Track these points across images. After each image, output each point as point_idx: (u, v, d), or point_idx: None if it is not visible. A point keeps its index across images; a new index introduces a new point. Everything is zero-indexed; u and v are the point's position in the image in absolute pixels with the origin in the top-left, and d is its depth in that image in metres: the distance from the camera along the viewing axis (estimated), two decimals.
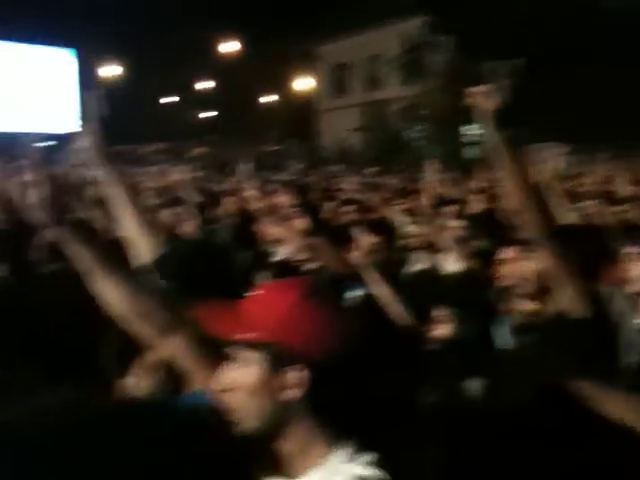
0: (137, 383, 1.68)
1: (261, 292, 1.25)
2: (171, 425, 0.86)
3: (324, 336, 1.18)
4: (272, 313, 1.19)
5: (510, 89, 1.95)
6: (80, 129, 1.81)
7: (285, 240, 3.94)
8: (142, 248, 2.00)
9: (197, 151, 28.45)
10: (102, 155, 1.86)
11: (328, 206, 5.94)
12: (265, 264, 3.85)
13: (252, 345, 1.18)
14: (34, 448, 0.62)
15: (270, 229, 4.26)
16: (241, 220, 5.44)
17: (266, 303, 1.21)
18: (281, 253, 3.97)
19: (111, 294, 1.53)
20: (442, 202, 5.25)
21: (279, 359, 1.17)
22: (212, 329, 1.22)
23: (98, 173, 1.87)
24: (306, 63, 37.32)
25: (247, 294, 1.25)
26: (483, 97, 1.97)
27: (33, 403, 0.69)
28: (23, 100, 30.81)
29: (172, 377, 1.61)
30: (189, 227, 4.54)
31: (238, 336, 1.19)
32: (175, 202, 5.39)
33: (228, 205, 6.15)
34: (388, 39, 28.53)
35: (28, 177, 1.51)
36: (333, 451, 1.17)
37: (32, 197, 1.50)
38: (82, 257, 1.53)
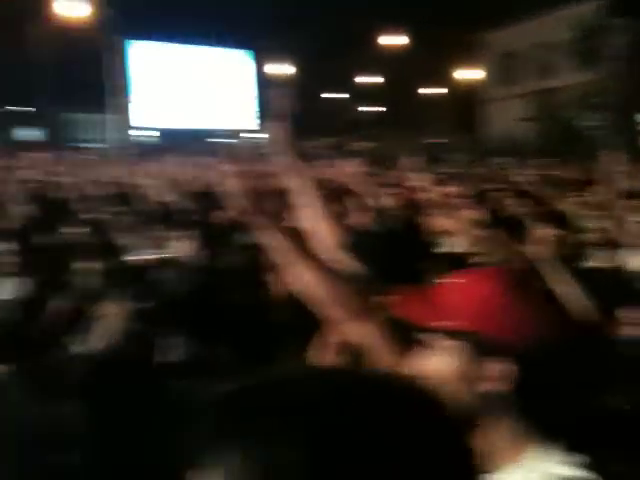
0: (318, 360, 1.73)
1: (458, 280, 1.23)
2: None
3: (526, 328, 1.13)
4: (471, 302, 1.16)
5: None
6: (271, 123, 1.90)
7: (455, 232, 3.88)
8: (323, 238, 2.04)
9: (361, 145, 28.78)
10: (290, 148, 1.92)
11: (498, 198, 5.77)
12: (434, 256, 3.81)
13: (451, 333, 1.16)
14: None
15: (439, 221, 4.21)
16: (409, 212, 5.43)
17: (464, 291, 1.18)
18: (450, 245, 3.91)
19: (306, 280, 1.57)
20: (624, 195, 4.92)
21: (480, 349, 1.13)
22: (406, 315, 1.22)
23: (284, 165, 1.94)
24: (472, 52, 36.44)
25: (439, 282, 1.24)
26: None
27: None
28: (210, 99, 33.00)
29: (354, 359, 1.63)
30: (364, 218, 4.60)
31: (434, 323, 1.18)
32: (346, 194, 5.50)
33: (395, 198, 6.17)
34: (558, 25, 27.22)
35: (229, 168, 1.61)
36: (536, 449, 1.12)
37: (232, 187, 1.60)
38: (278, 244, 1.59)
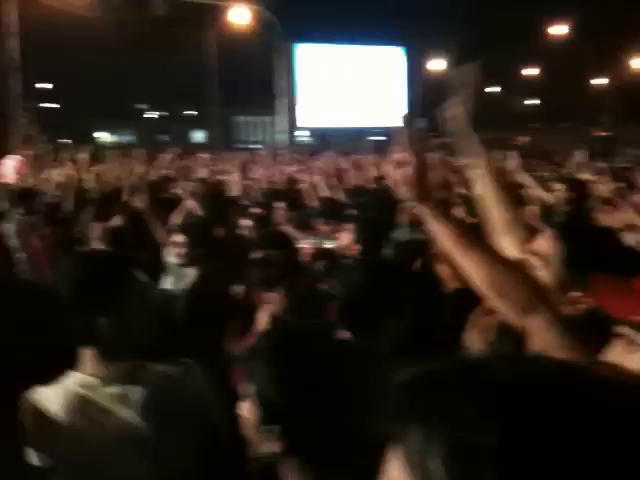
0: (473, 342, 1.71)
1: None
2: None
3: None
4: None
5: None
6: (452, 99, 1.84)
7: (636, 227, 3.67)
8: (501, 224, 1.95)
9: (523, 139, 27.72)
10: (470, 125, 1.84)
11: None
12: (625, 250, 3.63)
13: None
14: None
15: (615, 216, 4.00)
16: (579, 207, 5.21)
17: None
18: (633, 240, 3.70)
19: (472, 270, 1.53)
20: None
21: None
22: (605, 307, 1.16)
23: (464, 144, 1.88)
24: None
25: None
26: None
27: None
28: (367, 98, 33.37)
29: (511, 343, 1.59)
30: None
31: (635, 317, 1.12)
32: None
33: (563, 192, 5.93)
34: None
35: (397, 156, 1.62)
36: None
37: (399, 175, 1.61)
38: (444, 233, 1.56)
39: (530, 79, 41.76)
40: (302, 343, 1.46)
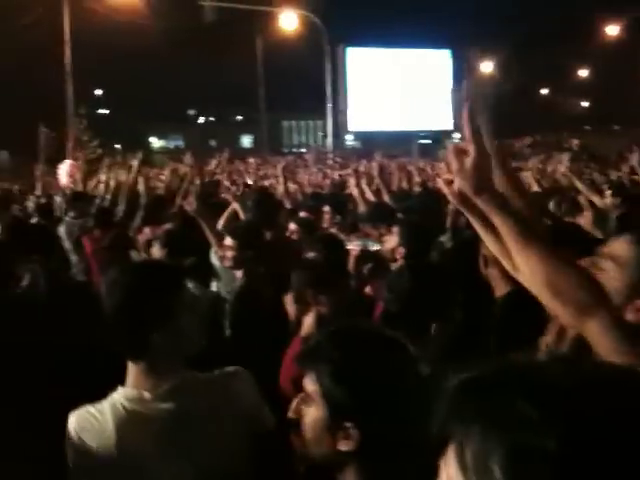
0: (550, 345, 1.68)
1: None
2: None
3: None
4: None
5: None
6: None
7: None
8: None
9: (575, 142, 27.18)
10: (490, 144, 1.78)
11: None
12: None
13: None
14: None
15: None
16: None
17: None
18: None
19: (529, 266, 1.48)
20: None
21: None
22: None
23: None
24: None
25: None
26: None
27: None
28: (412, 101, 33.27)
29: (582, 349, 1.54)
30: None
31: None
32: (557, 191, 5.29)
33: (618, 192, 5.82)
34: None
35: (457, 146, 1.55)
36: None
37: (458, 166, 1.52)
38: (505, 227, 1.51)
39: (582, 80, 40.94)
40: (368, 344, 1.47)
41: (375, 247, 4.22)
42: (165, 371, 1.77)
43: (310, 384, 1.44)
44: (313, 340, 1.53)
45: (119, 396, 1.76)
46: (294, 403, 1.48)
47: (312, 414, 1.44)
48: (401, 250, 3.52)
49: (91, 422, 1.72)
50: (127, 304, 1.74)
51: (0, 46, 22.45)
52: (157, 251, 3.95)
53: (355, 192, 5.20)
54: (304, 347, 1.55)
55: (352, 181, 5.53)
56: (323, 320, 2.45)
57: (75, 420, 1.73)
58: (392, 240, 3.66)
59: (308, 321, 2.48)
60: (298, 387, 1.51)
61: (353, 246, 4.22)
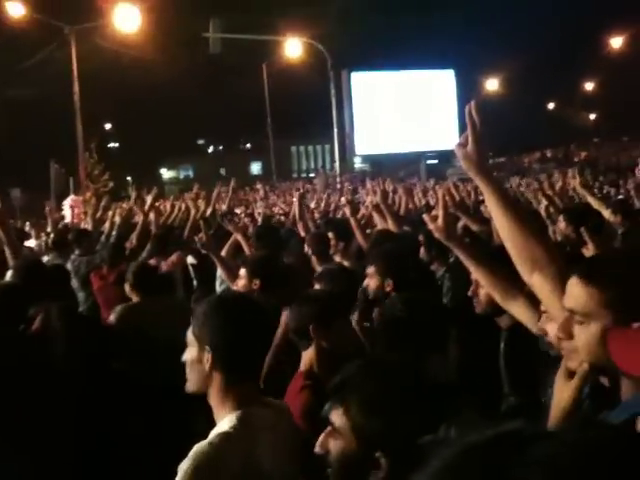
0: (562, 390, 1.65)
1: None
2: None
3: None
4: None
5: None
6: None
7: None
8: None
9: (583, 155, 27.13)
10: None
11: None
12: None
13: None
14: None
15: None
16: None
17: None
18: None
19: (500, 227, 1.75)
20: None
21: None
22: None
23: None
24: None
25: None
26: None
27: None
28: (418, 122, 33.34)
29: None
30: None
31: None
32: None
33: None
34: None
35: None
36: None
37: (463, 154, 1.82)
38: (492, 198, 1.77)
39: (591, 93, 40.92)
40: (396, 376, 1.51)
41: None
42: None
43: (338, 418, 1.45)
44: (341, 375, 1.54)
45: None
46: (321, 438, 1.48)
47: (340, 448, 1.44)
48: (389, 282, 3.33)
49: None
50: None
51: (11, 84, 22.81)
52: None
53: (353, 223, 5.07)
54: (332, 383, 1.55)
55: (347, 211, 5.39)
56: (324, 354, 2.41)
57: None
58: (374, 278, 3.45)
59: (309, 355, 2.43)
60: (313, 421, 1.52)
61: None
